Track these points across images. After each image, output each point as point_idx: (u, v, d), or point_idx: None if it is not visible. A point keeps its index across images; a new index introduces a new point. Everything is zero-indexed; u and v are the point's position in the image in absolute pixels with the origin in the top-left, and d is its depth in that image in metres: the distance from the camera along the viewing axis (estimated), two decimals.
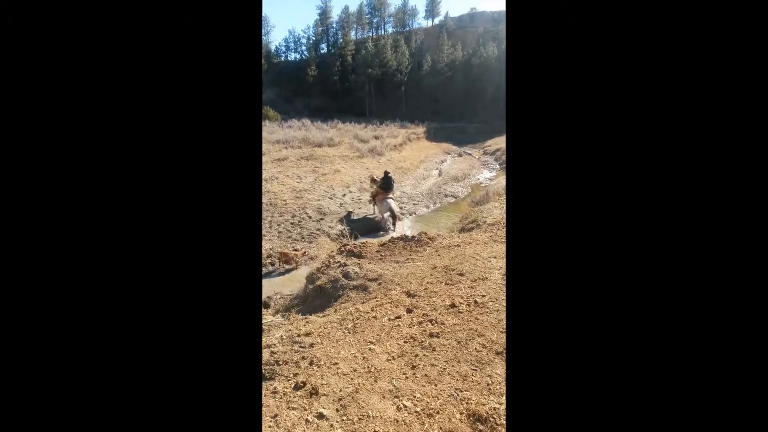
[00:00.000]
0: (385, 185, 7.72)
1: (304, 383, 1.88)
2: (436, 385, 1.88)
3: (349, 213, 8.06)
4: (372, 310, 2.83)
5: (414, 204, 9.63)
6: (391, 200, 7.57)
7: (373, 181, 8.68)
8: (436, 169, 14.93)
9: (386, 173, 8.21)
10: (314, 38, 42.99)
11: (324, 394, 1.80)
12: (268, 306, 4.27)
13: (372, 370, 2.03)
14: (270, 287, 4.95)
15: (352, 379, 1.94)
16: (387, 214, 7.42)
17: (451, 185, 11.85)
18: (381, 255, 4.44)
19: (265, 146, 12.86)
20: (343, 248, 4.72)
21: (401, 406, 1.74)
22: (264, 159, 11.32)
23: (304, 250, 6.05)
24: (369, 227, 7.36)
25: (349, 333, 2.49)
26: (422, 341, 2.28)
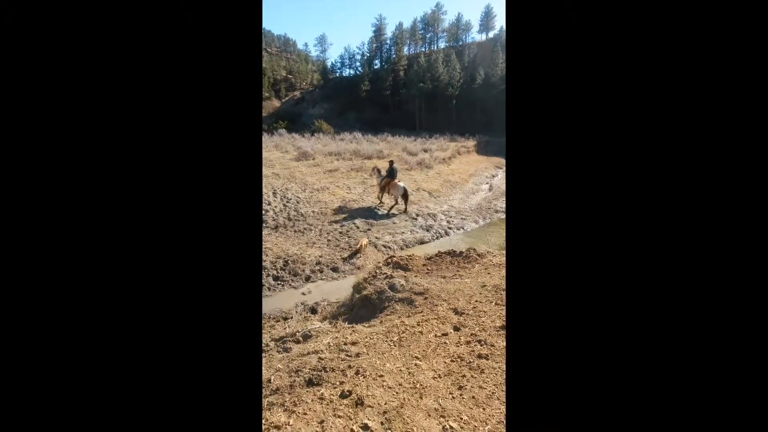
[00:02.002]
0: (391, 173, 9.21)
1: (350, 392, 1.90)
2: (484, 408, 1.81)
3: (340, 208, 9.10)
4: (418, 325, 2.80)
5: (462, 219, 9.44)
6: (402, 183, 9.00)
7: (375, 170, 10.04)
8: (487, 183, 14.53)
9: (391, 162, 9.74)
10: (368, 54, 44.52)
11: (369, 406, 1.81)
12: (315, 312, 4.40)
13: (417, 386, 2.00)
14: (318, 294, 5.10)
15: (397, 393, 1.93)
16: (401, 197, 8.86)
17: (502, 200, 11.45)
18: (427, 269, 4.39)
19: (318, 158, 13.42)
20: (389, 260, 4.74)
21: (447, 426, 1.69)
22: (317, 170, 11.81)
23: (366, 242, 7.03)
24: (366, 213, 8.74)
25: (395, 346, 2.48)
26: (470, 362, 2.21)
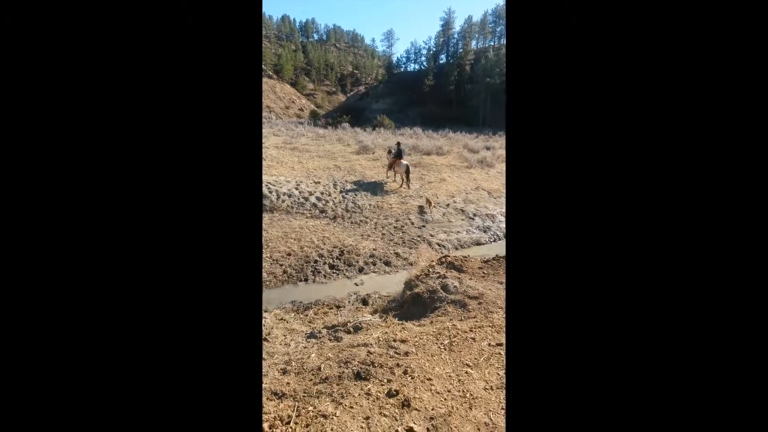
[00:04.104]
0: (398, 154, 10.34)
1: (397, 392, 1.87)
2: None
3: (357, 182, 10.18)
4: (470, 330, 2.68)
5: None
6: (405, 162, 10.11)
7: (389, 152, 11.13)
8: None
9: (398, 144, 10.91)
10: (434, 49, 43.85)
11: (416, 409, 1.76)
12: (366, 303, 4.45)
13: (467, 395, 1.91)
14: (370, 286, 5.17)
15: (445, 399, 1.86)
16: (404, 172, 9.90)
17: None
18: (483, 272, 4.21)
19: (378, 152, 13.57)
20: (443, 259, 4.63)
21: None
22: (376, 164, 11.94)
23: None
24: (374, 188, 9.83)
25: (445, 350, 2.40)
26: None
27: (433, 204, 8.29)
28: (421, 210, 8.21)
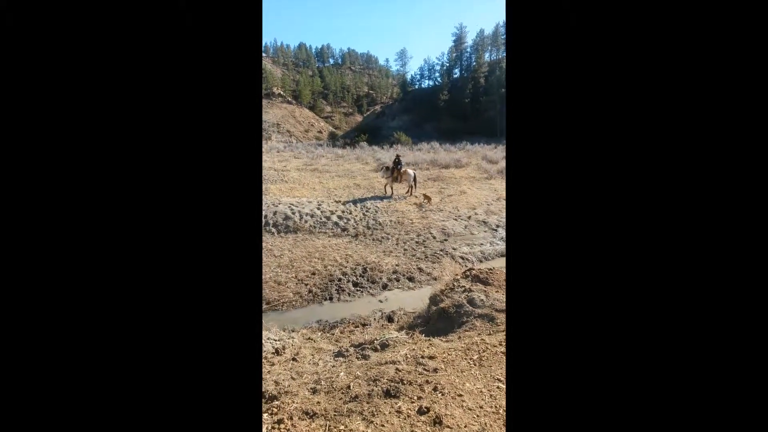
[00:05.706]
0: (399, 165, 11.28)
1: (428, 409, 1.84)
2: None
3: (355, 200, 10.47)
4: (500, 345, 2.61)
5: None
6: (411, 171, 11.05)
7: (385, 169, 11.50)
8: None
9: (397, 156, 11.62)
10: (448, 64, 44.40)
11: (448, 426, 1.73)
12: (392, 320, 4.43)
13: (500, 411, 1.85)
14: (395, 302, 5.14)
15: (477, 416, 1.81)
16: (411, 180, 10.74)
17: None
18: None
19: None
20: (468, 272, 4.56)
21: None
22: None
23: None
24: (376, 197, 10.51)
25: (475, 365, 2.35)
26: None
27: (431, 200, 8.97)
28: (420, 207, 8.86)
